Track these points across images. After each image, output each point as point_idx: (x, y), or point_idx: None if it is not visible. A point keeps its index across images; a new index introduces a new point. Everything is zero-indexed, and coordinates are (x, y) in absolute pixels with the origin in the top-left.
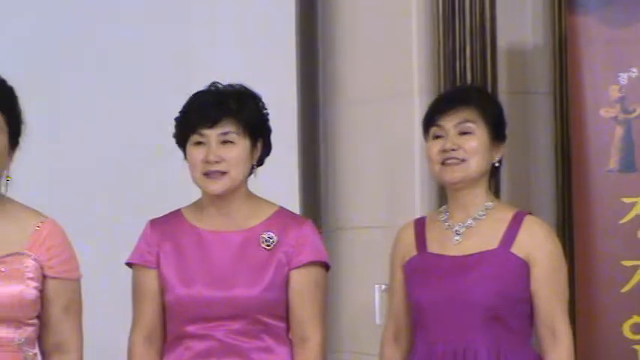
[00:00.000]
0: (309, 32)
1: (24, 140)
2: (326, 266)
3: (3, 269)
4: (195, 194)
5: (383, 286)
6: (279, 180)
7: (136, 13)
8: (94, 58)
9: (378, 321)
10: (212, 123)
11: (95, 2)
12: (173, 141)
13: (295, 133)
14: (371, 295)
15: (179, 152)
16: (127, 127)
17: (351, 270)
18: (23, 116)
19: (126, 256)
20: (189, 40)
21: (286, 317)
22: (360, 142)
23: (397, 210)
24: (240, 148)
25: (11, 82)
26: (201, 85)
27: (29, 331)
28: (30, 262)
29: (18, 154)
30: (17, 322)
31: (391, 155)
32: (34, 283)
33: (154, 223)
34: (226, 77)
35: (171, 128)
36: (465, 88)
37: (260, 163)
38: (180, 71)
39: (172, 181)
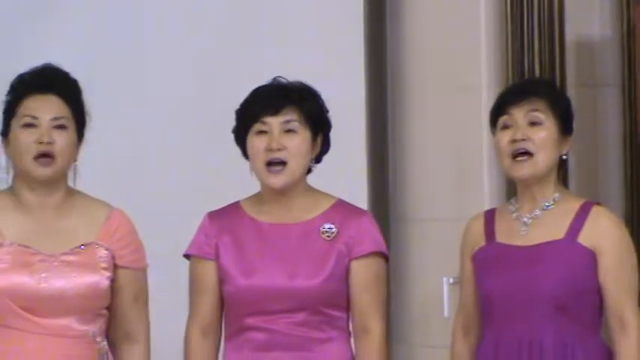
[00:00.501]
0: (377, 29)
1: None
2: (385, 257)
3: (78, 259)
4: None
5: (451, 279)
6: (347, 173)
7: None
8: (164, 51)
9: (446, 313)
10: (275, 111)
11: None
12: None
13: (363, 128)
14: (439, 288)
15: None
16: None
17: (419, 262)
18: (88, 108)
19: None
20: (260, 39)
21: (346, 308)
22: (428, 136)
23: (465, 202)
24: (301, 138)
25: (76, 74)
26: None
27: (101, 322)
28: (103, 253)
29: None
30: (91, 313)
31: (459, 149)
32: (107, 273)
33: (212, 215)
34: (296, 75)
35: None
36: (534, 80)
37: (318, 160)
38: (250, 70)
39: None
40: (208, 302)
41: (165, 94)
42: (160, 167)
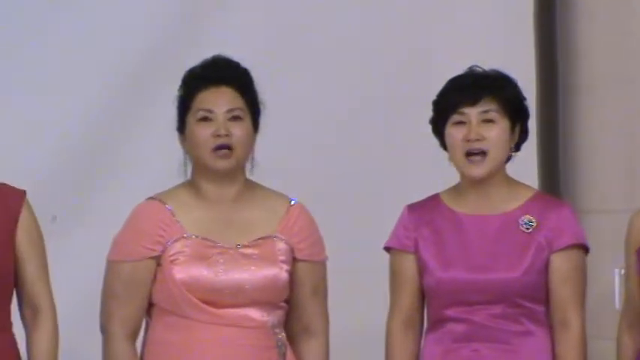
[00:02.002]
0: (546, 20)
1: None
2: (585, 249)
3: (257, 252)
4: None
5: (622, 271)
6: (517, 166)
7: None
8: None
9: (617, 306)
10: (473, 101)
11: None
12: None
13: (534, 119)
14: (611, 280)
15: None
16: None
17: (591, 254)
18: (261, 97)
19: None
20: (429, 34)
21: (545, 301)
22: (599, 127)
23: (637, 194)
24: (500, 127)
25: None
26: (440, 76)
27: (279, 314)
28: (282, 245)
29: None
30: (270, 305)
31: (631, 139)
32: (285, 266)
33: (411, 207)
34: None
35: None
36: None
37: (517, 148)
38: (420, 65)
39: None
40: (409, 295)
41: (338, 84)
42: (344, 159)
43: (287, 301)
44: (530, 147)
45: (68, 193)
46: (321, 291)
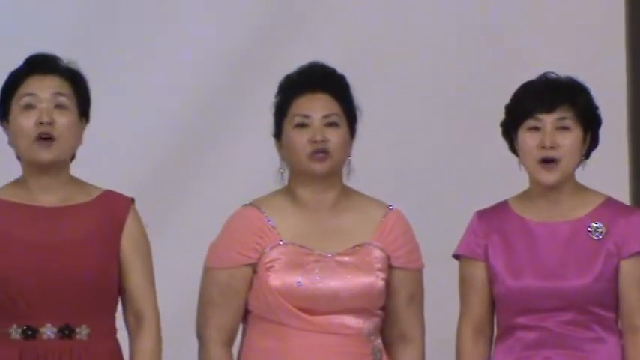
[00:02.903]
0: (638, 23)
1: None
2: None
3: (353, 260)
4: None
5: None
6: (607, 171)
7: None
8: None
9: None
10: (549, 108)
11: None
12: None
13: (625, 126)
14: None
15: None
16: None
17: None
18: (357, 103)
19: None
20: (515, 37)
21: (615, 307)
22: None
23: None
24: (574, 135)
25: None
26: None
27: (375, 321)
28: (378, 253)
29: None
30: (366, 312)
31: None
32: (382, 274)
33: (480, 214)
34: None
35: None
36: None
37: (587, 156)
38: (508, 69)
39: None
40: (479, 302)
41: (432, 88)
42: (430, 165)
43: (383, 308)
44: (622, 153)
45: (163, 197)
46: (417, 298)
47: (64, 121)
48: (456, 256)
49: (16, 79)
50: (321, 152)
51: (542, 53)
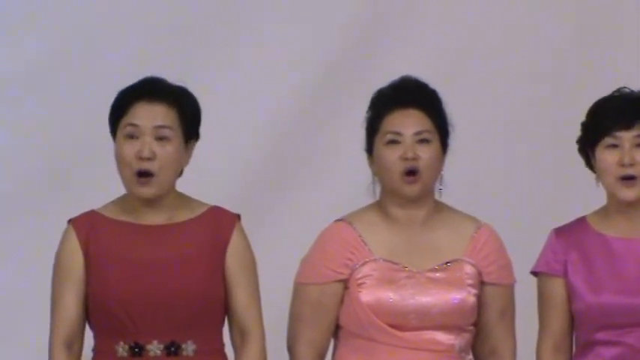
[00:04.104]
0: None
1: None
2: None
3: (444, 276)
4: None
5: None
6: None
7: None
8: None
9: None
10: (627, 125)
11: None
12: None
13: None
14: None
15: None
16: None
17: None
18: (450, 119)
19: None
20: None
21: None
22: None
23: None
24: None
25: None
26: (603, 92)
27: (467, 337)
28: (469, 269)
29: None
30: (457, 328)
31: None
32: (473, 290)
33: (558, 231)
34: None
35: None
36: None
37: None
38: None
39: None
40: (558, 318)
41: (516, 96)
42: (514, 177)
43: (475, 324)
44: None
45: (255, 211)
46: (508, 314)
47: (164, 153)
48: (534, 273)
49: (123, 103)
50: (411, 171)
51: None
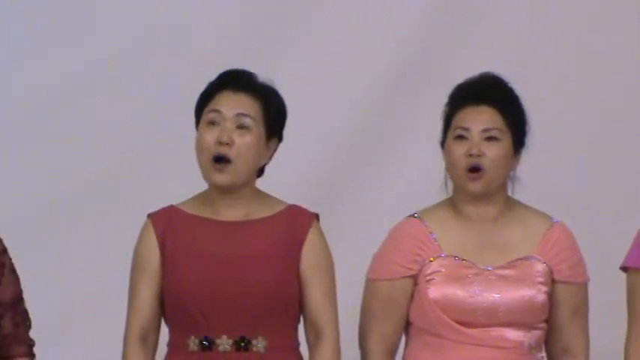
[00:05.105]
0: None
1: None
2: None
3: (514, 273)
4: None
5: None
6: None
7: None
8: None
9: None
10: None
11: None
12: None
13: None
14: None
15: None
16: None
17: None
18: (527, 118)
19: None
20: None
21: None
22: None
23: None
24: None
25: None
26: None
27: (538, 334)
28: (540, 267)
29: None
30: (527, 326)
31: None
32: (544, 288)
33: None
34: None
35: None
36: None
37: None
38: None
39: None
40: None
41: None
42: (605, 176)
43: (547, 321)
44: None
45: (328, 206)
46: (581, 312)
47: (243, 142)
48: (624, 269)
49: (210, 91)
50: (475, 168)
51: None
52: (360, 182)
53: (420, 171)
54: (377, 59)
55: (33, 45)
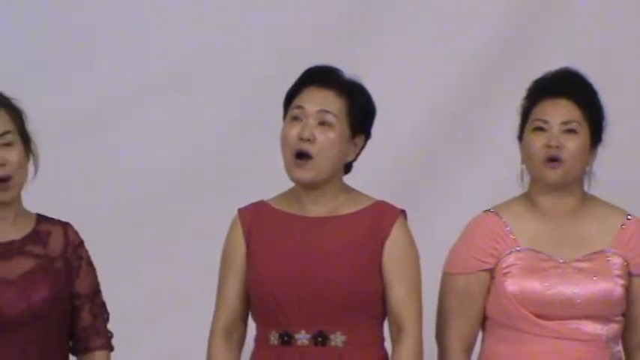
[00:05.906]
0: None
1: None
2: None
3: (591, 266)
4: None
5: None
6: None
7: None
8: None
9: None
10: None
11: None
12: None
13: None
14: None
15: None
16: None
17: None
18: (604, 112)
19: None
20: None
21: None
22: None
23: None
24: None
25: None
26: None
27: (615, 327)
28: (617, 260)
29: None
30: (604, 319)
31: None
32: (621, 281)
33: None
34: None
35: None
36: None
37: None
38: None
39: None
40: None
41: None
42: None
43: (624, 315)
44: None
45: (407, 197)
46: None
47: (325, 138)
48: None
49: (296, 87)
50: (554, 158)
51: None
52: (444, 181)
53: (505, 169)
54: (461, 55)
55: (113, 46)
